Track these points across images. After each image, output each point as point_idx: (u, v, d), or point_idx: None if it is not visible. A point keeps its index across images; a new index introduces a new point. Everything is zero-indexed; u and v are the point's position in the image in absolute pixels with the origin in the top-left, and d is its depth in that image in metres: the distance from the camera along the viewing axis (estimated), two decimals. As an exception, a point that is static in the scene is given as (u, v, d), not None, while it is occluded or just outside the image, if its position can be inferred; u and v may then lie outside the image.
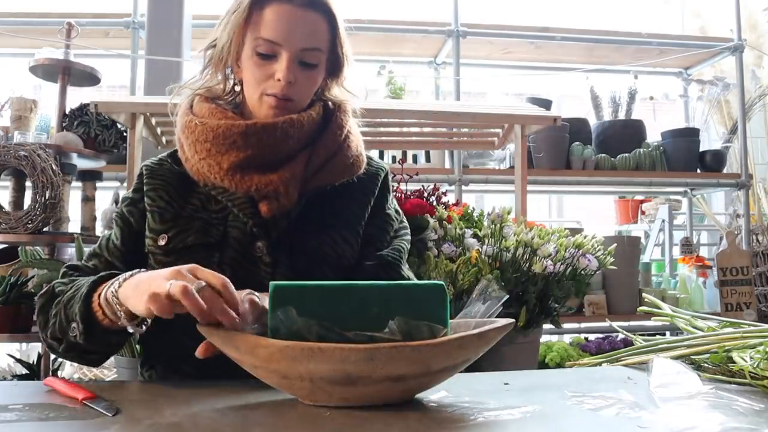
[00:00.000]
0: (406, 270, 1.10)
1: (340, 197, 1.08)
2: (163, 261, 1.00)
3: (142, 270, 0.86)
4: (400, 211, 1.19)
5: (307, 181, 1.03)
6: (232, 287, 0.77)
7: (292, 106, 1.02)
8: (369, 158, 1.16)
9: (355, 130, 1.12)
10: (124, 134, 2.34)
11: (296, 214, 1.03)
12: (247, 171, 0.99)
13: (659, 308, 1.14)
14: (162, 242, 1.01)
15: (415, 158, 3.11)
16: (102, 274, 0.92)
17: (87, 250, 2.04)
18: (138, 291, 0.80)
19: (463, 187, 3.09)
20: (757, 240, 3.31)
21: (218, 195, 1.03)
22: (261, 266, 1.00)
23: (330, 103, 1.11)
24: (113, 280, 0.87)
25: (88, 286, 0.88)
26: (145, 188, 1.07)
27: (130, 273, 0.86)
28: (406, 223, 1.18)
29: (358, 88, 1.13)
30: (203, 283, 0.76)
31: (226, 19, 1.02)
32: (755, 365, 0.82)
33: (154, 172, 1.08)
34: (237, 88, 1.09)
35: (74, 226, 2.40)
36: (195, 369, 0.92)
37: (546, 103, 3.16)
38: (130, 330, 0.86)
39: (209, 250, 1.00)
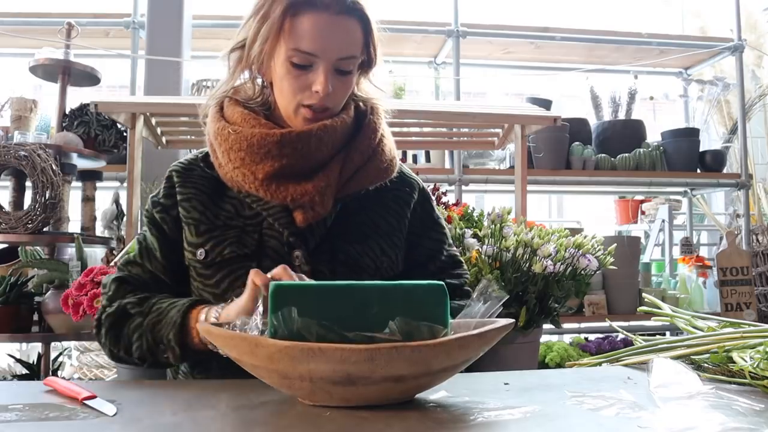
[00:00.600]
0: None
1: (376, 205, 1.08)
2: (203, 273, 1.02)
3: (231, 300, 0.91)
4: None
5: (341, 186, 1.02)
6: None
7: (329, 115, 1.01)
8: (401, 165, 1.16)
9: (388, 132, 1.10)
10: (124, 134, 2.34)
11: (332, 221, 1.03)
12: (283, 180, 0.98)
13: (659, 308, 1.14)
14: (201, 256, 1.01)
15: (415, 158, 3.12)
16: (188, 301, 0.97)
17: (87, 250, 2.05)
18: (236, 305, 0.87)
19: (463, 187, 3.10)
20: (757, 240, 3.31)
21: (252, 203, 1.02)
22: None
23: (362, 103, 1.09)
24: (207, 309, 0.94)
25: (181, 314, 0.94)
26: (178, 197, 1.05)
27: (222, 307, 0.92)
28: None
29: (384, 83, 1.11)
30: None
31: (253, 22, 0.98)
32: (755, 365, 0.82)
33: (186, 179, 1.07)
34: (266, 90, 1.06)
35: (74, 226, 2.41)
36: (222, 368, 0.93)
37: (546, 103, 3.16)
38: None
39: (246, 260, 0.99)
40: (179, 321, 0.93)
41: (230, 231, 1.01)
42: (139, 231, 2.14)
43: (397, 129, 2.63)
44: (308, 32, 0.94)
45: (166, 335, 0.94)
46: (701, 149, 3.44)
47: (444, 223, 1.17)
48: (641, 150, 3.26)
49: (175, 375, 1.12)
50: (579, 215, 4.90)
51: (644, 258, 3.51)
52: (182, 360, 0.96)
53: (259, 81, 1.05)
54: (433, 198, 1.19)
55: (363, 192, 1.05)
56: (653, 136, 3.49)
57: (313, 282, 0.98)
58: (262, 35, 0.97)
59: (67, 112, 2.35)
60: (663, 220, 3.63)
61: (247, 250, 1.00)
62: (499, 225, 1.80)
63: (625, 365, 1.01)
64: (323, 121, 1.00)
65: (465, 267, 1.17)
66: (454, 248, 1.17)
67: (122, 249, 1.98)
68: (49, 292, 1.97)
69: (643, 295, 1.38)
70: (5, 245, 2.26)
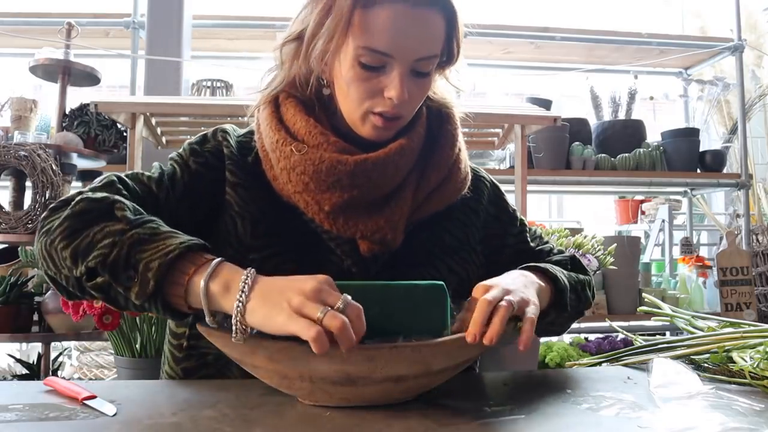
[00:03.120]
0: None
1: (441, 219, 0.95)
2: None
3: (252, 271, 0.71)
4: None
5: (414, 211, 0.90)
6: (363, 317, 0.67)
7: (401, 124, 0.88)
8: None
9: (463, 145, 0.97)
10: (124, 134, 2.34)
11: (397, 247, 0.89)
12: (352, 213, 0.85)
13: (659, 308, 1.14)
14: (252, 257, 0.87)
15: (415, 158, 3.11)
16: (200, 241, 0.75)
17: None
18: (270, 304, 0.67)
19: (464, 187, 3.09)
20: (757, 240, 3.31)
21: (310, 221, 0.89)
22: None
23: (434, 107, 0.96)
24: (223, 266, 0.72)
25: (185, 247, 0.72)
26: (227, 174, 0.90)
27: (249, 274, 0.70)
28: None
29: (463, 81, 0.95)
30: (345, 302, 0.67)
31: (314, 12, 0.83)
32: (755, 365, 0.82)
33: (240, 159, 0.91)
34: (326, 90, 0.90)
35: (74, 226, 2.40)
36: (241, 371, 0.81)
37: (546, 103, 3.16)
38: (207, 324, 0.72)
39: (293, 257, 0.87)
40: (177, 254, 0.71)
41: (289, 244, 0.88)
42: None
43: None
44: (382, 28, 0.79)
45: (148, 259, 0.71)
46: (701, 149, 3.44)
47: (519, 214, 1.07)
48: (641, 150, 3.26)
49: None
50: (579, 215, 4.90)
51: (644, 258, 3.51)
52: (144, 300, 0.72)
53: (313, 77, 0.89)
54: (503, 191, 1.08)
55: (436, 213, 0.94)
56: (653, 136, 3.49)
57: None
58: (327, 30, 0.82)
59: (67, 112, 2.34)
60: (663, 220, 3.63)
61: (304, 271, 0.76)
62: (499, 225, 1.80)
63: (625, 365, 1.01)
64: (399, 139, 0.87)
65: (552, 247, 1.07)
66: (534, 231, 1.09)
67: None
68: (49, 292, 1.97)
69: (643, 295, 1.38)
70: (5, 245, 2.26)
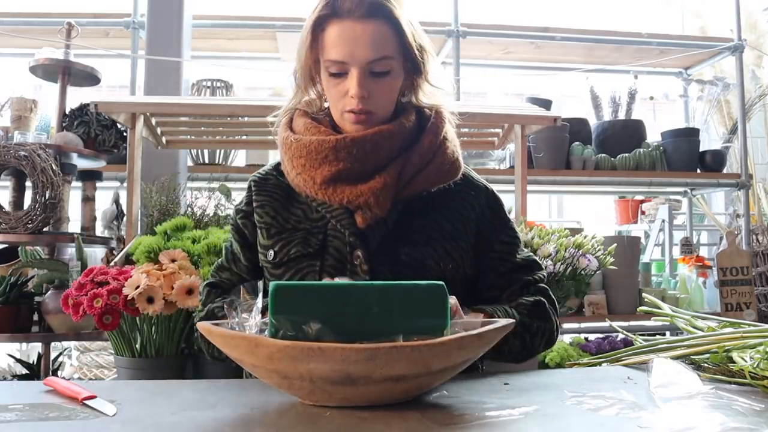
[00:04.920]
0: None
1: (440, 208, 1.08)
2: (274, 273, 1.06)
3: None
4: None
5: (401, 189, 1.03)
6: None
7: (375, 118, 1.03)
8: (469, 170, 1.17)
9: (451, 135, 1.11)
10: (124, 134, 2.34)
11: (393, 222, 1.04)
12: (339, 183, 1.01)
13: (659, 308, 1.14)
14: (270, 257, 1.06)
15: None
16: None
17: (87, 250, 2.05)
18: None
19: (463, 187, 3.09)
20: (757, 240, 3.31)
21: (318, 206, 1.06)
22: (360, 275, 1.01)
23: (427, 110, 1.10)
24: None
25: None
26: (254, 204, 1.12)
27: None
28: None
29: (444, 79, 1.11)
30: None
31: (299, 42, 1.05)
32: (755, 365, 0.82)
33: (261, 187, 1.13)
34: (326, 104, 1.11)
35: (74, 226, 2.40)
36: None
37: (546, 103, 3.16)
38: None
39: (310, 259, 1.03)
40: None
41: (298, 233, 1.06)
42: (139, 231, 2.15)
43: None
44: (335, 42, 0.98)
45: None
46: (701, 149, 3.44)
47: (515, 227, 1.16)
48: (641, 150, 3.26)
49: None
50: (579, 215, 4.90)
51: (644, 258, 3.51)
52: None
53: (317, 93, 1.11)
54: (503, 202, 1.18)
55: (425, 194, 1.06)
56: (653, 136, 3.49)
57: (313, 282, 0.98)
58: (300, 55, 1.04)
59: (67, 112, 2.34)
60: (663, 220, 3.63)
61: (311, 249, 1.03)
62: (499, 225, 1.80)
63: (625, 365, 1.01)
64: (376, 125, 1.02)
65: (542, 269, 1.15)
66: (529, 252, 1.16)
67: (122, 249, 1.98)
68: (49, 292, 1.97)
69: (643, 295, 1.38)
70: (5, 245, 2.26)
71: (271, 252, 1.06)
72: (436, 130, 1.07)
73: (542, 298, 1.08)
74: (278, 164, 1.14)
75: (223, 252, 1.17)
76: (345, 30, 0.98)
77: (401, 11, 1.00)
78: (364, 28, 0.97)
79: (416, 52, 1.03)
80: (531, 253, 1.16)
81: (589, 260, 1.87)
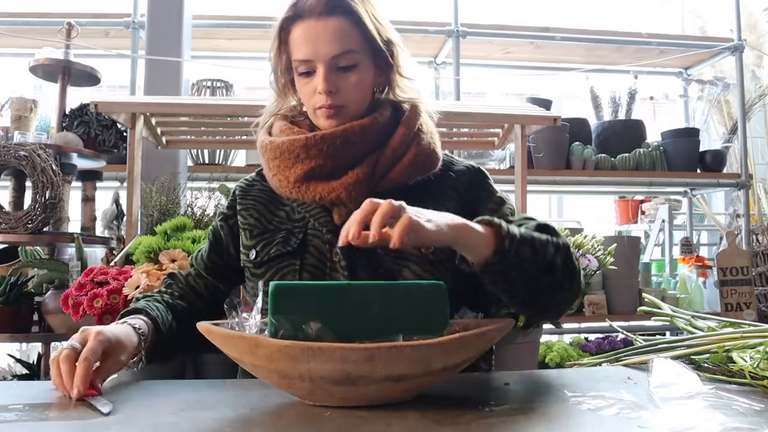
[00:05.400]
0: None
1: (419, 198, 1.02)
2: (255, 273, 1.08)
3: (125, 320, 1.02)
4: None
5: (376, 183, 1.03)
6: (86, 368, 0.80)
7: (346, 112, 1.04)
8: (452, 158, 1.16)
9: (428, 128, 1.11)
10: (124, 134, 2.34)
11: None
12: (312, 181, 1.02)
13: (659, 308, 1.14)
14: (252, 256, 1.08)
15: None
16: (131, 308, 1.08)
17: (87, 250, 2.05)
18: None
19: (464, 187, 3.08)
20: (757, 240, 3.31)
21: (298, 206, 1.08)
22: (340, 271, 1.01)
23: (405, 104, 1.11)
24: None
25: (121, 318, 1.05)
26: (238, 207, 1.15)
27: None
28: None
29: (417, 72, 1.11)
30: (74, 345, 0.85)
31: (270, 50, 1.08)
32: (755, 365, 0.82)
33: (246, 193, 1.16)
34: (303, 108, 1.12)
35: (74, 226, 2.40)
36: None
37: (546, 103, 3.16)
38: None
39: (290, 258, 1.04)
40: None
41: (279, 233, 1.08)
42: (139, 231, 2.15)
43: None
44: (299, 42, 1.01)
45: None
46: (701, 149, 3.43)
47: (506, 198, 1.12)
48: (641, 150, 3.26)
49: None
50: (579, 215, 4.89)
51: (644, 258, 3.51)
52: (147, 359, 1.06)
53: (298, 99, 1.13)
54: (490, 178, 1.14)
55: (404, 187, 1.05)
56: (653, 136, 3.49)
57: (313, 282, 0.98)
58: (272, 62, 1.08)
59: (67, 112, 2.34)
60: (663, 220, 3.63)
61: (290, 248, 1.05)
62: (499, 225, 1.80)
63: (625, 365, 1.01)
64: (350, 119, 1.03)
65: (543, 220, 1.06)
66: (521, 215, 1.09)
67: (122, 249, 1.98)
68: (49, 292, 1.97)
69: (643, 295, 1.38)
70: (5, 245, 2.26)
71: (253, 252, 1.08)
72: (409, 122, 1.07)
73: (549, 223, 1.01)
74: (260, 171, 1.18)
75: (194, 253, 1.22)
76: (307, 29, 1.00)
77: (363, 7, 1.02)
78: (326, 24, 1.00)
79: (382, 45, 1.04)
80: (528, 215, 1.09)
81: (589, 260, 1.87)
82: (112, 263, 1.89)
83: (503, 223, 0.88)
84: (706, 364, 0.93)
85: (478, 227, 0.87)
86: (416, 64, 1.11)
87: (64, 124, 2.32)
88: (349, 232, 0.78)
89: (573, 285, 0.98)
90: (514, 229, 0.89)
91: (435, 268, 1.01)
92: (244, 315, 0.78)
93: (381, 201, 0.79)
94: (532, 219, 1.05)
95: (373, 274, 1.00)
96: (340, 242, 0.80)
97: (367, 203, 0.80)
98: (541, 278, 0.93)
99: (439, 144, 1.12)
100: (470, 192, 1.11)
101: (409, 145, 1.06)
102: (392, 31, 1.07)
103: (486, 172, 1.16)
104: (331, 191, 1.01)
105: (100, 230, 2.45)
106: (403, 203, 0.81)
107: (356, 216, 0.79)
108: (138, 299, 1.13)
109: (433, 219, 0.82)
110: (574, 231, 2.16)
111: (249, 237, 1.10)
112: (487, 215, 1.01)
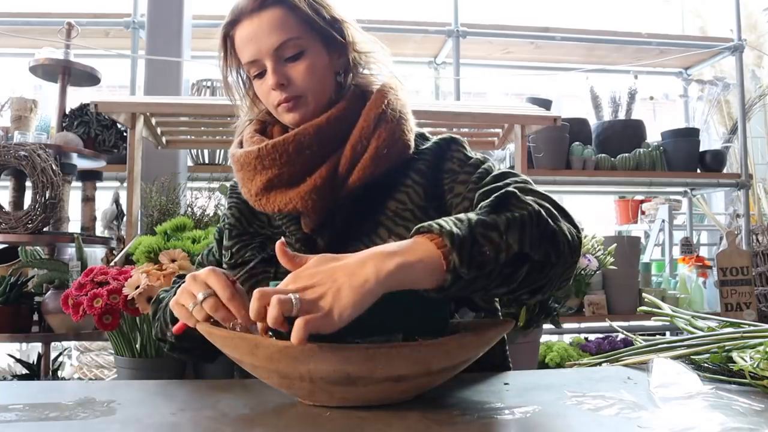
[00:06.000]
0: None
1: (385, 188, 1.01)
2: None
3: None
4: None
5: (340, 185, 0.98)
6: (238, 299, 0.78)
7: (306, 102, 0.99)
8: (427, 136, 1.08)
9: (393, 114, 1.00)
10: (124, 134, 2.34)
11: (344, 222, 1.00)
12: (272, 192, 0.99)
13: (659, 308, 1.14)
14: (227, 257, 1.06)
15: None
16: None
17: (87, 250, 2.05)
18: (174, 300, 0.86)
19: (463, 187, 3.09)
20: (757, 240, 3.31)
21: (274, 215, 1.05)
22: None
23: (372, 89, 1.04)
24: None
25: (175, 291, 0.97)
26: (227, 204, 1.13)
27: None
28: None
29: (375, 45, 1.05)
30: (207, 294, 0.80)
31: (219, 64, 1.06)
32: (755, 365, 0.82)
33: (233, 190, 1.12)
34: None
35: (74, 226, 2.40)
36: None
37: (546, 103, 3.16)
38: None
39: (265, 264, 1.01)
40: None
41: (257, 238, 1.06)
42: (139, 231, 2.15)
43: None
44: (242, 45, 0.99)
45: (167, 314, 0.97)
46: (701, 149, 3.44)
47: (482, 160, 1.01)
48: (641, 150, 3.26)
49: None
50: (579, 215, 4.88)
51: (644, 258, 3.51)
52: (179, 339, 0.96)
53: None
54: (463, 144, 1.03)
55: (370, 183, 0.98)
56: (653, 136, 3.49)
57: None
58: (224, 75, 1.06)
59: (67, 112, 2.35)
60: (663, 220, 3.63)
61: (265, 254, 1.02)
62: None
63: (625, 365, 1.01)
64: (313, 116, 0.99)
65: (519, 176, 0.93)
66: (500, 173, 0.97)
67: (122, 249, 1.98)
68: (49, 292, 1.97)
69: (643, 295, 1.38)
70: (5, 245, 2.26)
71: (229, 252, 1.06)
72: (368, 113, 0.99)
73: (513, 190, 0.82)
74: None
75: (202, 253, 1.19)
76: (246, 29, 0.98)
77: None
78: (260, 19, 0.97)
79: (325, 25, 0.99)
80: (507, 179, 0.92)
81: (589, 260, 1.87)
82: (112, 263, 1.89)
83: (444, 229, 0.71)
84: (706, 364, 0.93)
85: (418, 250, 0.71)
86: (373, 39, 1.05)
87: (64, 124, 2.32)
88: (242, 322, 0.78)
89: (560, 254, 0.79)
90: (461, 231, 0.71)
91: None
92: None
93: (269, 292, 0.66)
94: (506, 176, 0.92)
95: None
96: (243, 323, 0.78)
97: (254, 299, 0.66)
98: (515, 270, 0.76)
99: (410, 129, 1.03)
100: (440, 166, 1.01)
101: (370, 139, 0.98)
102: (337, 9, 1.01)
103: (460, 138, 1.05)
104: (288, 202, 0.97)
105: (100, 230, 2.45)
106: (291, 296, 0.65)
107: (252, 313, 0.67)
108: (162, 295, 1.07)
109: (333, 285, 0.66)
110: (574, 231, 2.15)
111: (227, 237, 1.08)
112: (461, 188, 0.97)
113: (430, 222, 0.74)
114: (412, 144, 1.02)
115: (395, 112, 1.01)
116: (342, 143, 0.99)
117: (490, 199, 0.80)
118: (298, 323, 0.64)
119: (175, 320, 0.90)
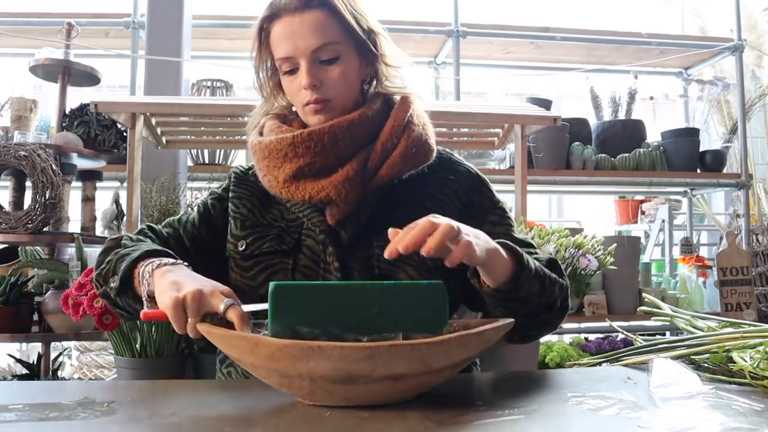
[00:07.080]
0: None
1: (417, 195, 1.06)
2: (241, 265, 1.05)
3: (184, 265, 0.91)
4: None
5: (368, 179, 1.01)
6: (243, 321, 0.78)
7: (333, 106, 1.02)
8: (452, 156, 1.14)
9: (419, 119, 1.07)
10: (124, 134, 2.34)
11: (367, 216, 1.02)
12: (302, 180, 1.00)
13: (659, 308, 1.14)
14: (241, 248, 1.05)
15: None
16: (157, 247, 0.97)
17: (87, 250, 2.05)
18: (162, 287, 0.85)
19: (464, 187, 3.09)
20: (757, 240, 3.31)
21: (292, 206, 1.06)
22: (333, 272, 0.99)
23: (396, 96, 1.09)
24: (159, 259, 0.92)
25: (141, 252, 0.94)
26: (230, 194, 1.12)
27: (173, 261, 0.91)
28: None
29: (403, 61, 1.09)
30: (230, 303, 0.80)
31: (252, 53, 1.07)
32: (755, 365, 0.82)
33: (241, 181, 1.13)
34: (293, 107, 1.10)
35: (74, 226, 2.40)
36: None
37: (546, 103, 3.16)
38: (146, 307, 0.90)
39: (283, 256, 1.02)
40: (136, 256, 0.94)
41: (273, 230, 1.06)
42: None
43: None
44: (279, 40, 1.00)
45: (121, 266, 0.94)
46: (701, 149, 3.44)
47: (507, 208, 1.12)
48: (641, 150, 3.26)
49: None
50: (579, 215, 4.90)
51: (644, 258, 3.51)
52: (119, 296, 0.96)
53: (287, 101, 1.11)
54: (490, 185, 1.13)
55: (398, 183, 1.04)
56: (653, 136, 3.49)
57: (313, 282, 0.98)
58: (255, 65, 1.08)
59: (67, 112, 2.34)
60: (663, 220, 3.63)
61: (285, 246, 1.02)
62: (499, 225, 1.80)
63: (625, 365, 1.01)
64: (340, 113, 1.01)
65: (538, 251, 1.07)
66: (525, 236, 1.11)
67: (122, 249, 1.97)
68: (49, 292, 1.97)
69: (643, 295, 1.38)
70: (5, 245, 2.26)
71: (243, 243, 1.05)
72: (398, 114, 1.04)
73: (556, 258, 1.04)
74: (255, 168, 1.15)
75: (181, 215, 1.16)
76: (285, 26, 0.99)
77: None
78: (302, 19, 0.98)
79: (363, 35, 1.02)
80: (528, 239, 1.09)
81: (589, 260, 1.87)
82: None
83: (525, 255, 0.90)
84: (706, 364, 0.93)
85: (504, 253, 0.88)
86: (402, 54, 1.09)
87: (64, 124, 2.32)
88: (400, 245, 0.77)
89: (560, 323, 1.03)
90: (532, 263, 0.91)
91: (430, 272, 0.99)
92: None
93: (440, 221, 0.78)
94: (531, 245, 1.06)
95: (367, 277, 0.99)
96: (388, 254, 0.77)
97: (426, 222, 0.78)
98: (539, 313, 0.96)
99: (432, 135, 1.09)
100: (472, 198, 1.09)
101: (400, 138, 1.03)
102: (373, 20, 1.05)
103: (485, 178, 1.14)
104: (320, 190, 0.98)
105: (100, 230, 2.45)
106: (460, 226, 0.80)
107: (415, 233, 0.77)
108: (126, 243, 1.02)
109: (480, 241, 0.83)
110: (574, 231, 2.16)
111: (239, 227, 1.07)
112: (488, 228, 1.03)
113: (514, 245, 0.91)
114: (435, 149, 1.08)
115: (420, 118, 1.07)
116: (370, 141, 1.02)
117: (546, 257, 1.01)
118: (464, 242, 0.78)
119: (126, 279, 0.93)
